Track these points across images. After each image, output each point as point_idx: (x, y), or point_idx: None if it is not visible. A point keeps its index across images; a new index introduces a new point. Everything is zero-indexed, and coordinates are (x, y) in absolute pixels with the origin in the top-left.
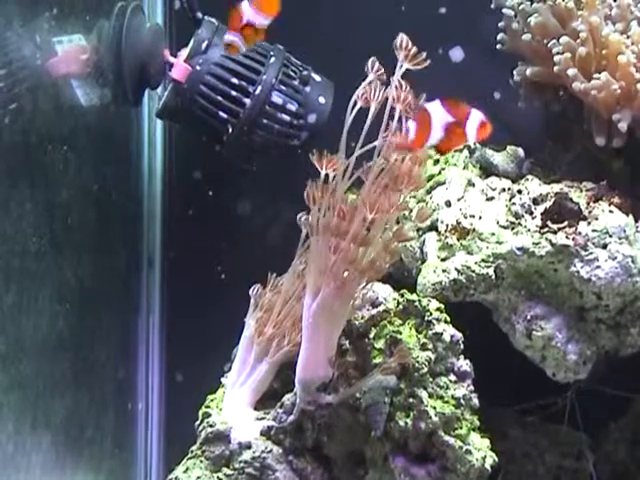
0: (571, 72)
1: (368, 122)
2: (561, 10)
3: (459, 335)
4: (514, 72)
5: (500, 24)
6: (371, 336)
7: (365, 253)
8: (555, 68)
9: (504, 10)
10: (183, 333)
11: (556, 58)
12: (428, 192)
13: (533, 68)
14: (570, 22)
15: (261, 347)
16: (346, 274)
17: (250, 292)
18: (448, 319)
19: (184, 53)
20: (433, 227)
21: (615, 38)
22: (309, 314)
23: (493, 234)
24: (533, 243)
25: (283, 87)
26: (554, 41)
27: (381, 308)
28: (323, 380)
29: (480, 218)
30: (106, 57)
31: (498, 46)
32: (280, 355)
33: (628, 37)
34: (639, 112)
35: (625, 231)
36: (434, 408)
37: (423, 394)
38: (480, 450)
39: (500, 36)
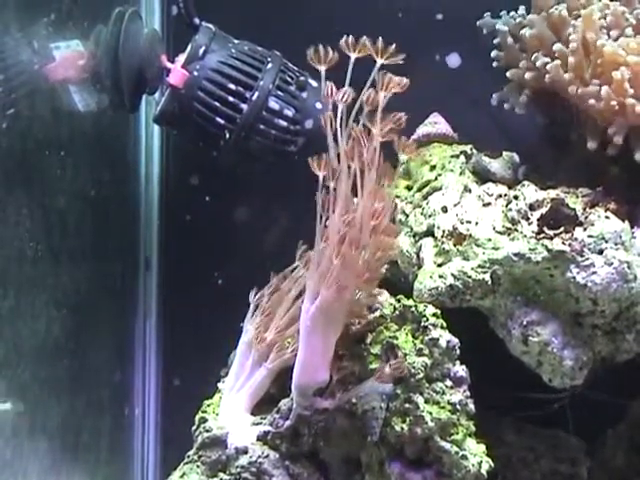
0: (567, 76)
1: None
2: (554, 19)
3: (455, 341)
4: (508, 74)
5: (496, 41)
6: (367, 341)
7: (362, 256)
8: (547, 76)
9: (498, 26)
10: (180, 338)
11: (548, 66)
12: (424, 198)
13: (532, 73)
14: (564, 30)
15: (260, 352)
16: (346, 278)
17: (250, 297)
18: (444, 325)
19: (181, 59)
20: (429, 233)
21: (609, 50)
22: (307, 318)
23: (489, 240)
24: (529, 249)
25: (280, 93)
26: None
27: (377, 313)
28: (320, 385)
29: (476, 224)
30: (104, 63)
31: (494, 63)
32: (281, 362)
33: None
34: (633, 122)
35: (621, 237)
36: (430, 413)
37: (419, 399)
38: (476, 455)
39: (495, 53)
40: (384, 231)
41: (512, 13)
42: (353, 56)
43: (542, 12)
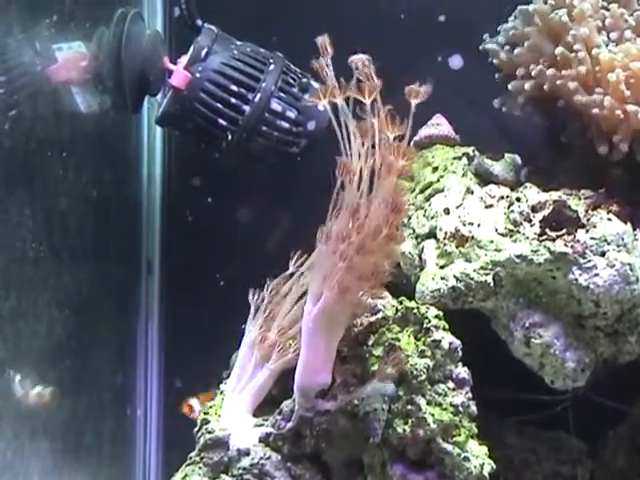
0: (572, 85)
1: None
2: (554, 23)
3: (457, 342)
4: (510, 87)
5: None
6: (370, 343)
7: (367, 260)
8: (558, 82)
9: (487, 46)
10: (182, 339)
11: (554, 72)
12: (427, 199)
13: (530, 83)
14: (565, 36)
15: (262, 353)
16: (349, 281)
17: (250, 298)
18: (446, 326)
19: (184, 60)
20: (432, 234)
21: (606, 57)
22: (309, 319)
23: (492, 242)
24: (531, 251)
25: (282, 94)
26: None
27: (380, 315)
28: (322, 387)
29: (479, 226)
30: (106, 64)
31: (496, 75)
32: (283, 363)
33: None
34: (637, 126)
35: (623, 239)
36: (432, 415)
37: (421, 401)
38: (478, 457)
39: (497, 61)
40: (390, 237)
41: (504, 26)
42: (328, 58)
43: (537, 20)
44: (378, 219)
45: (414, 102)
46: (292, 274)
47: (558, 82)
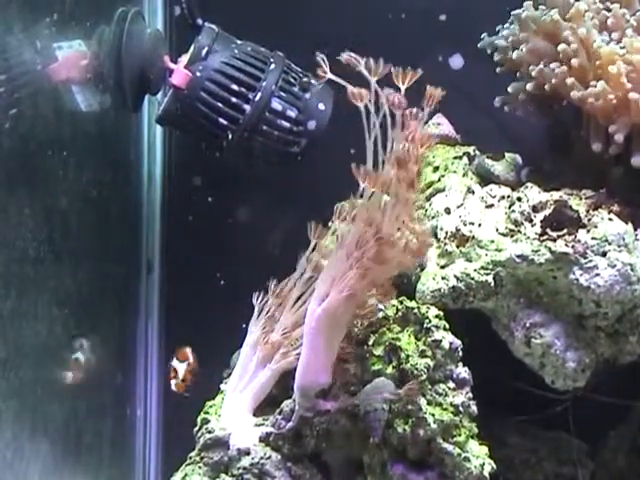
0: (569, 81)
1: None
2: (547, 25)
3: (458, 342)
4: (510, 89)
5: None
6: (370, 343)
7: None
8: (552, 79)
9: (497, 42)
10: (182, 339)
11: (556, 70)
12: (427, 199)
13: (532, 83)
14: (560, 33)
15: (264, 353)
16: (361, 286)
17: (254, 299)
18: (447, 326)
19: (184, 59)
20: (433, 234)
21: (606, 50)
22: (313, 319)
23: (492, 241)
24: (532, 251)
25: (283, 94)
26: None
27: (380, 315)
28: (322, 387)
29: (479, 225)
30: (106, 63)
31: (497, 69)
32: (286, 363)
33: (622, 47)
34: (635, 120)
35: (624, 239)
36: (433, 415)
37: (422, 401)
38: (479, 457)
39: (497, 57)
40: (414, 251)
41: (503, 33)
42: (329, 75)
43: (531, 24)
44: (395, 229)
45: (427, 109)
46: (295, 273)
47: (554, 80)
